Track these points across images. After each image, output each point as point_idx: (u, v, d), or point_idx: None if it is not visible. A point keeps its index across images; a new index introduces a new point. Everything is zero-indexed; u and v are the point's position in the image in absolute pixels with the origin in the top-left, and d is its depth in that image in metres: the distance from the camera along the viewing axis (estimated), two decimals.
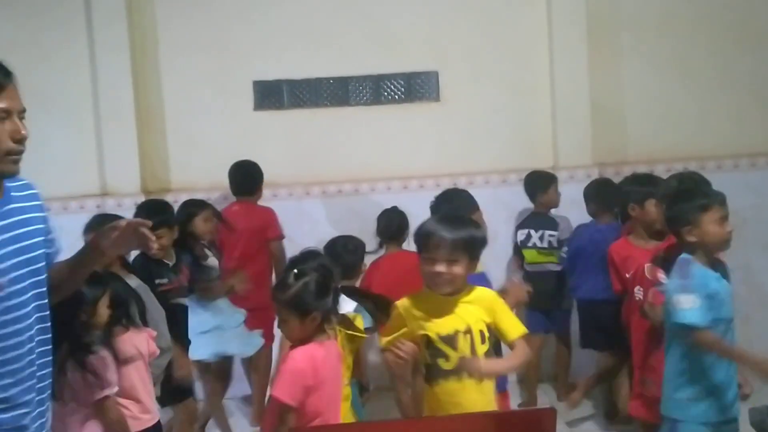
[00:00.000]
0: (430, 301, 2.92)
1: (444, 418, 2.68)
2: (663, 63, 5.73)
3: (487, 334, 2.89)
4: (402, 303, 2.97)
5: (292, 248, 5.47)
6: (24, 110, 2.15)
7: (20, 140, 2.11)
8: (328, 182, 5.70)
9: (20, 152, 2.12)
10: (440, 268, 2.83)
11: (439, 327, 2.88)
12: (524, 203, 5.57)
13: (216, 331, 4.62)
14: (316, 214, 5.64)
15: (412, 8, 5.71)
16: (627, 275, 4.15)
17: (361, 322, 3.46)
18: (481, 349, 2.87)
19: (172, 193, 5.40)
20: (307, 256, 2.99)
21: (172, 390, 4.11)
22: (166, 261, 4.24)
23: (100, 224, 3.86)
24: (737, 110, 5.77)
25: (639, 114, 5.75)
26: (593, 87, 5.63)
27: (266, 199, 5.58)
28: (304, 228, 5.61)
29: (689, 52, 5.74)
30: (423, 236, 2.92)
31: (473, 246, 2.90)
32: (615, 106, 5.73)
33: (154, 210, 4.31)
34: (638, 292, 3.91)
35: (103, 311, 3.08)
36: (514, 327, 2.94)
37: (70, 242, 4.99)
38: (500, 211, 5.59)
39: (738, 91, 5.76)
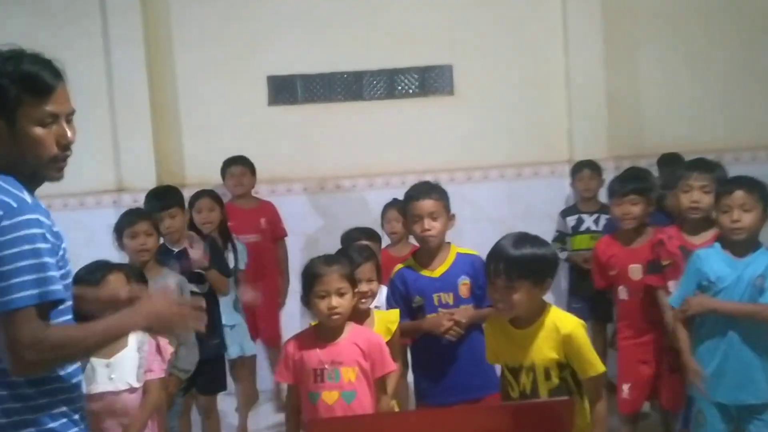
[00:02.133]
0: (504, 329, 2.86)
1: (463, 408, 2.68)
2: (679, 54, 5.69)
3: (555, 371, 2.74)
4: (488, 324, 3.00)
5: (306, 243, 5.51)
6: (73, 112, 2.05)
7: (66, 146, 2.02)
8: (343, 177, 5.70)
9: (65, 158, 2.02)
10: (496, 295, 2.76)
11: (507, 357, 2.84)
12: (540, 197, 5.57)
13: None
14: (331, 209, 5.64)
15: (426, 2, 5.69)
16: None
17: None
18: (545, 386, 2.74)
19: (187, 188, 5.37)
20: None
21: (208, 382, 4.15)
22: (170, 247, 4.21)
23: (130, 221, 3.87)
24: (755, 102, 5.72)
25: (655, 106, 5.71)
26: (609, 79, 5.59)
27: (280, 194, 5.63)
28: (318, 223, 5.63)
29: (705, 44, 5.69)
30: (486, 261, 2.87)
31: (533, 268, 2.73)
32: (631, 98, 5.69)
33: (164, 194, 4.36)
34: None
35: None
36: (586, 366, 2.74)
37: (86, 237, 5.03)
38: (516, 205, 5.58)
39: (755, 82, 5.71)
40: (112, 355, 3.01)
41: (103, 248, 3.92)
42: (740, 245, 3.32)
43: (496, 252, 2.77)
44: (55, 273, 1.91)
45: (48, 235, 1.92)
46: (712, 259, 3.34)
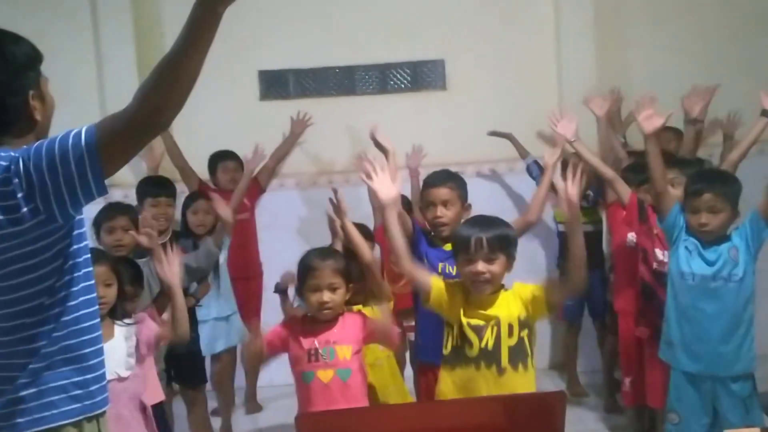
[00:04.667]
0: (468, 292, 2.96)
1: (455, 401, 2.70)
2: (670, 49, 5.68)
3: (517, 329, 2.90)
4: (447, 282, 3.01)
5: (299, 238, 5.49)
6: None
7: None
8: (335, 172, 5.69)
9: None
10: (480, 267, 2.85)
11: (471, 315, 2.90)
12: (531, 191, 5.54)
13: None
14: (323, 204, 5.59)
15: None
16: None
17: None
18: (507, 342, 2.88)
19: (178, 183, 5.38)
20: None
21: (185, 376, 4.13)
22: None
23: (109, 216, 3.86)
24: (747, 96, 5.71)
25: None
26: (600, 74, 5.59)
27: (272, 189, 5.60)
28: (311, 217, 5.61)
29: (697, 39, 5.70)
30: (460, 240, 2.94)
31: (509, 243, 2.93)
32: (622, 93, 5.69)
33: (161, 182, 4.47)
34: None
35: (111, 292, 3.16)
36: (533, 286, 2.97)
37: None
38: (507, 199, 5.59)
39: (747, 77, 5.70)
40: None
41: (92, 242, 3.91)
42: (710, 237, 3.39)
43: (473, 231, 2.91)
44: None
45: None
46: (689, 236, 3.42)
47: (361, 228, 4.22)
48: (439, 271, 3.39)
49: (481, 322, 2.88)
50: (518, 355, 2.89)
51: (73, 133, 1.87)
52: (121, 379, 3.03)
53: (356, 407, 2.81)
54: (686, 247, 3.37)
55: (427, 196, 3.50)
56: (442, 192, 3.46)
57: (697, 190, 3.36)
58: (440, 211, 3.42)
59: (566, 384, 5.30)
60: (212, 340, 4.67)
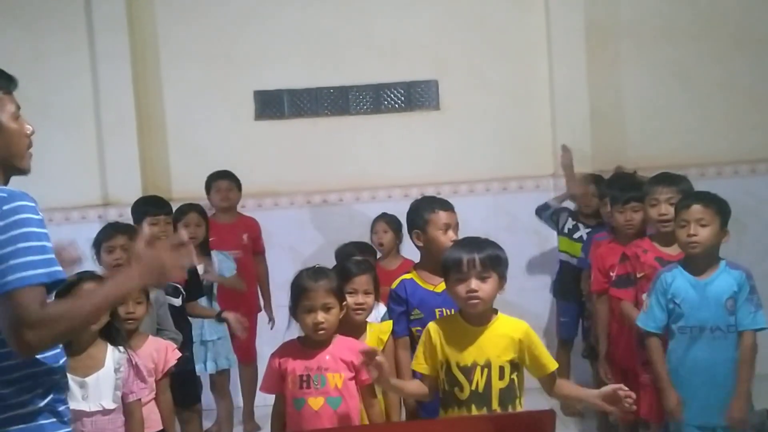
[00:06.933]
0: (456, 327, 2.92)
1: (445, 420, 2.69)
2: (662, 69, 5.75)
3: (508, 371, 2.85)
4: (432, 325, 2.97)
5: (293, 257, 5.52)
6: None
7: (30, 136, 2.19)
8: (329, 191, 5.72)
9: (30, 148, 2.20)
10: (473, 284, 2.81)
11: (459, 356, 2.86)
12: (525, 210, 5.60)
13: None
14: (318, 223, 5.66)
15: (412, 18, 5.74)
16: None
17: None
18: (498, 384, 2.84)
19: (173, 202, 5.40)
20: None
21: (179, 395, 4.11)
22: None
23: (108, 235, 3.87)
24: (737, 116, 5.78)
25: (638, 121, 5.76)
26: (592, 94, 5.64)
27: (267, 208, 5.64)
28: (305, 236, 5.64)
29: (688, 59, 5.75)
30: (452, 261, 2.91)
31: (500, 263, 2.90)
32: (614, 112, 5.74)
33: (156, 202, 4.44)
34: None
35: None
36: (545, 363, 2.89)
37: None
38: (501, 218, 5.62)
39: (737, 97, 5.77)
40: (87, 374, 2.93)
41: (89, 262, 3.93)
42: (700, 263, 3.36)
43: (464, 251, 2.88)
44: (53, 256, 1.97)
45: (43, 223, 2.00)
46: (677, 281, 3.38)
47: (362, 245, 4.25)
48: (437, 316, 3.33)
49: (469, 363, 2.84)
50: (508, 397, 2.85)
51: (19, 272, 1.89)
52: (105, 412, 2.95)
53: (348, 426, 2.82)
54: (676, 303, 3.37)
55: (438, 219, 3.47)
56: (453, 216, 3.50)
57: (687, 203, 3.40)
58: (452, 234, 3.44)
59: (559, 403, 5.30)
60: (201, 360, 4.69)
